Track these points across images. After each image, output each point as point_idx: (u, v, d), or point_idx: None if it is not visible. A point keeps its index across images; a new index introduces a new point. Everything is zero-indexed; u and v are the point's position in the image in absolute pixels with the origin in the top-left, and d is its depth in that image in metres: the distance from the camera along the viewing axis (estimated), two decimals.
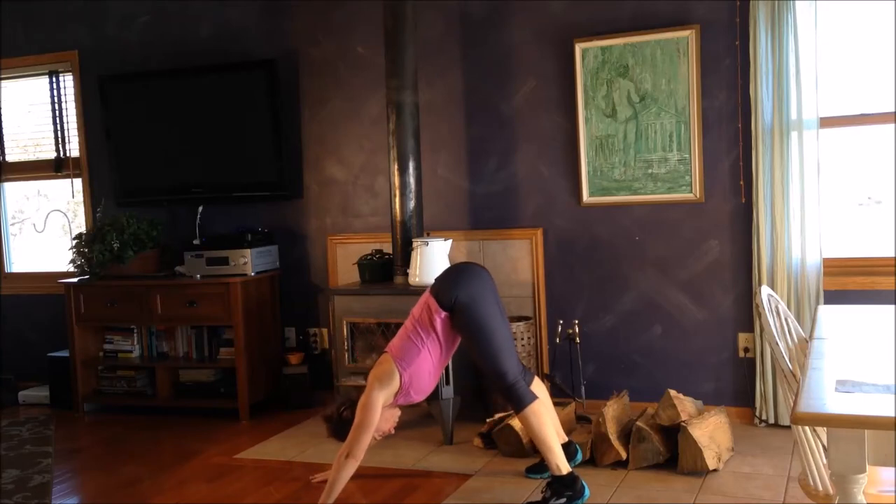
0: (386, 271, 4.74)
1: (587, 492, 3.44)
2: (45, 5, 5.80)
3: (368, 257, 4.81)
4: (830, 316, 3.07)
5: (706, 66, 4.38)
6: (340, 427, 3.62)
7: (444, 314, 3.55)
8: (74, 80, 5.77)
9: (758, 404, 4.32)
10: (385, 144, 4.80)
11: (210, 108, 5.30)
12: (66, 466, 4.36)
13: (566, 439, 3.80)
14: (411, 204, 4.65)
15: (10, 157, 6.11)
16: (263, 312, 5.19)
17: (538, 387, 3.77)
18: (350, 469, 3.40)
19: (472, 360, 3.74)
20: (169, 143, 5.42)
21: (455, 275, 3.70)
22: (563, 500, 3.39)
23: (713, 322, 4.48)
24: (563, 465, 3.46)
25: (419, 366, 3.53)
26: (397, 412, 3.70)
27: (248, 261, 5.04)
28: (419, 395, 3.61)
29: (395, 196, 4.65)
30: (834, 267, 4.25)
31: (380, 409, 3.48)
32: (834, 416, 1.89)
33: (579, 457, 3.78)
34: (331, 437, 3.77)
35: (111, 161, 5.57)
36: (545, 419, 3.53)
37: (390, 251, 4.78)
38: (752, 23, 4.18)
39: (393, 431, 3.75)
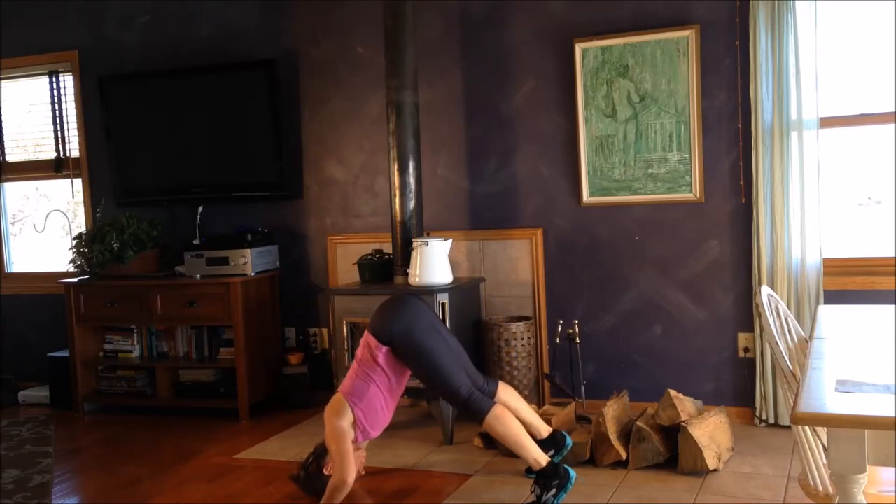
0: (386, 271, 4.74)
1: (573, 473, 3.48)
2: (45, 5, 5.80)
3: (368, 257, 4.81)
4: (830, 316, 3.06)
5: (706, 66, 4.38)
6: (309, 482, 3.62)
7: (384, 349, 3.64)
8: (74, 80, 5.77)
9: (758, 404, 4.32)
10: (385, 144, 4.80)
11: (210, 108, 5.31)
12: (66, 466, 4.36)
13: (549, 430, 3.82)
14: (411, 204, 4.65)
15: (10, 157, 6.11)
16: (263, 312, 5.19)
17: (505, 390, 3.86)
18: (344, 493, 3.44)
19: (424, 385, 3.83)
20: (169, 143, 5.42)
21: (386, 311, 3.79)
22: (553, 490, 3.43)
23: (713, 322, 4.48)
24: (540, 458, 3.52)
25: (370, 400, 3.61)
26: (362, 453, 3.77)
27: (248, 261, 5.04)
28: (375, 429, 3.67)
29: (395, 196, 4.65)
30: (834, 267, 4.25)
31: (348, 433, 3.53)
32: (834, 416, 1.89)
33: (569, 442, 3.79)
34: (306, 494, 3.67)
35: (111, 161, 5.57)
36: (508, 421, 3.60)
37: (390, 251, 4.78)
38: (752, 23, 4.18)
39: (363, 472, 3.82)
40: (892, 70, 4.13)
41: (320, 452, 3.62)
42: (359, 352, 3.73)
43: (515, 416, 3.69)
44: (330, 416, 3.60)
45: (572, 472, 3.49)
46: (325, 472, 3.55)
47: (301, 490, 3.65)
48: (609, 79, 4.54)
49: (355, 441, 3.61)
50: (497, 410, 3.61)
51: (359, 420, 3.58)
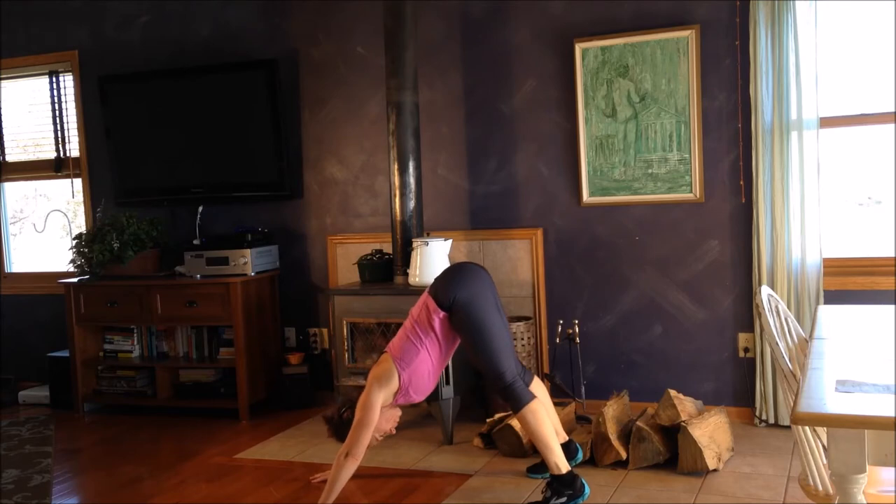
0: (386, 271, 4.74)
1: (587, 490, 3.45)
2: (45, 5, 5.80)
3: (368, 257, 4.81)
4: (830, 316, 3.07)
5: (706, 66, 4.38)
6: (341, 428, 3.63)
7: (442, 314, 3.56)
8: (74, 80, 5.77)
9: (758, 404, 4.32)
10: (385, 144, 4.80)
11: (210, 108, 5.31)
12: (66, 466, 4.36)
13: (566, 438, 3.81)
14: (411, 204, 4.65)
15: (10, 157, 6.11)
16: (263, 312, 5.19)
17: (537, 386, 3.78)
18: (350, 468, 3.40)
19: (470, 359, 3.74)
20: (169, 143, 5.42)
21: (453, 274, 3.70)
22: (564, 499, 3.39)
23: (713, 322, 4.49)
24: (562, 464, 3.46)
25: (418, 366, 3.54)
26: (398, 412, 3.71)
27: (248, 261, 5.04)
28: (419, 394, 3.61)
29: (395, 196, 4.65)
30: (834, 267, 4.25)
31: (379, 409, 3.48)
32: (834, 416, 1.89)
33: (580, 456, 3.78)
34: (331, 438, 3.77)
35: (111, 161, 5.57)
36: (543, 418, 3.53)
37: (390, 251, 4.78)
38: (752, 23, 4.18)
39: (394, 431, 3.76)
40: (892, 70, 4.13)
41: (356, 403, 3.57)
42: (415, 310, 3.63)
43: None
44: (372, 381, 3.51)
45: (587, 490, 3.44)
46: None
47: (329, 431, 3.66)
48: (609, 79, 4.54)
49: (394, 403, 3.56)
50: (535, 405, 3.52)
51: (403, 385, 3.51)
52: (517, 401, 3.53)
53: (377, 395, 3.48)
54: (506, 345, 3.61)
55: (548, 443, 3.48)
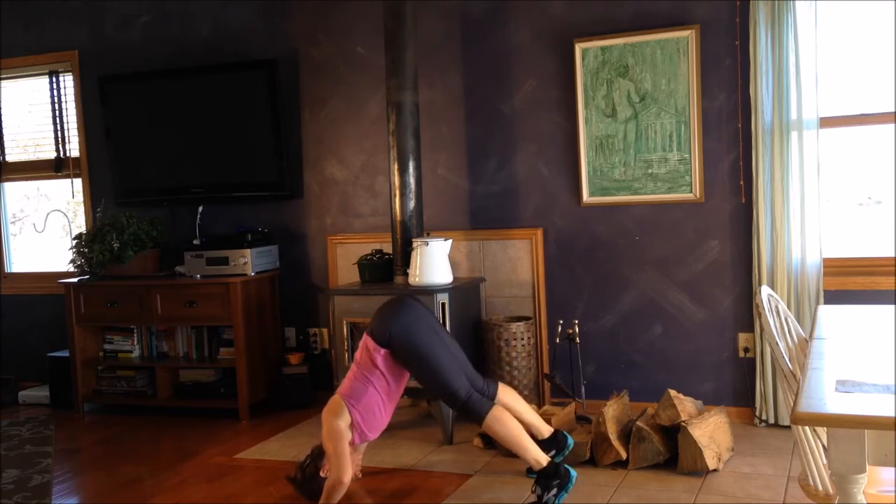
0: (386, 271, 4.74)
1: (573, 473, 3.48)
2: (45, 5, 5.80)
3: (368, 257, 4.81)
4: (830, 316, 3.06)
5: (706, 66, 4.38)
6: (305, 484, 3.61)
7: (383, 351, 3.63)
8: (74, 80, 5.77)
9: (758, 404, 4.32)
10: (385, 144, 4.80)
11: (210, 108, 5.31)
12: (66, 466, 4.36)
13: (551, 430, 3.82)
14: (411, 204, 4.65)
15: (10, 157, 6.11)
16: (263, 312, 5.19)
17: (505, 391, 3.85)
18: (340, 493, 3.43)
19: (423, 388, 3.82)
20: (169, 143, 5.42)
21: (385, 311, 3.77)
22: (554, 490, 3.43)
23: (713, 322, 4.49)
24: (541, 459, 3.52)
25: (368, 401, 3.60)
26: (358, 456, 3.79)
27: (248, 261, 5.04)
28: (373, 431, 3.66)
29: (395, 196, 4.65)
30: (834, 267, 4.26)
31: (345, 433, 3.52)
32: (834, 416, 1.89)
33: (570, 443, 3.78)
34: (304, 497, 3.65)
35: (111, 161, 5.57)
36: (508, 423, 3.60)
37: (390, 251, 4.78)
38: (752, 23, 4.18)
39: (358, 474, 3.82)
40: (892, 70, 4.13)
41: (318, 454, 3.61)
42: (357, 354, 3.73)
43: (516, 417, 3.69)
44: (327, 416, 3.59)
45: (573, 472, 3.49)
46: (322, 474, 3.54)
47: (298, 492, 3.64)
48: (609, 79, 4.54)
49: (352, 443, 3.61)
50: (496, 412, 3.61)
51: (356, 422, 3.58)
52: (476, 414, 3.61)
53: (336, 422, 3.53)
54: (452, 365, 3.68)
55: (520, 443, 3.56)
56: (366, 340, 3.69)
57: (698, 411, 3.89)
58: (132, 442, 4.76)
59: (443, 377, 3.64)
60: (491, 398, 3.73)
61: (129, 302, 5.22)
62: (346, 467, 3.44)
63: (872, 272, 4.21)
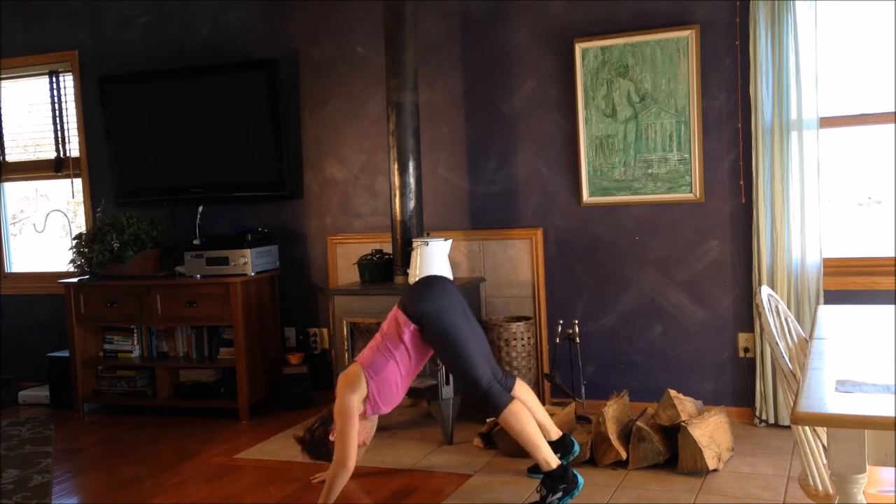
0: (386, 271, 4.74)
1: (580, 479, 3.46)
2: (45, 5, 5.80)
3: (368, 257, 4.81)
4: (830, 316, 3.06)
5: (706, 66, 4.38)
6: (314, 446, 3.62)
7: (413, 327, 3.60)
8: (74, 80, 5.77)
9: (758, 404, 4.33)
10: (385, 144, 4.80)
11: (210, 108, 5.31)
12: (66, 466, 4.36)
13: (560, 434, 3.81)
14: (411, 204, 4.65)
15: (10, 157, 6.11)
16: (263, 312, 5.19)
17: (521, 388, 3.82)
18: (344, 477, 3.41)
19: (445, 370, 3.78)
20: (169, 143, 5.42)
21: (421, 288, 3.75)
22: (559, 493, 3.41)
23: (713, 322, 4.49)
24: (551, 460, 3.49)
25: (387, 375, 3.57)
26: (370, 423, 3.74)
27: (248, 261, 5.04)
28: (386, 405, 3.63)
29: (395, 196, 4.65)
30: (834, 267, 4.26)
31: (356, 412, 3.49)
32: (834, 416, 1.89)
33: (576, 448, 3.78)
34: (309, 458, 3.72)
35: (111, 161, 5.57)
36: (525, 418, 3.56)
37: (390, 251, 4.78)
38: (752, 23, 4.18)
39: (367, 443, 3.79)
40: (892, 70, 4.13)
41: (327, 418, 3.59)
42: (385, 325, 3.68)
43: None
44: (343, 387, 3.53)
45: (580, 479, 3.46)
46: (331, 438, 3.53)
47: (305, 453, 3.64)
48: (609, 79, 4.54)
49: (364, 414, 3.57)
50: (514, 406, 3.56)
51: (371, 394, 3.53)
52: (496, 406, 3.57)
53: (350, 399, 3.50)
54: (479, 353, 3.65)
55: (533, 441, 3.52)
56: (396, 313, 3.65)
57: (698, 411, 3.89)
58: (132, 442, 4.76)
59: (468, 363, 3.59)
60: (508, 391, 3.68)
61: (129, 302, 5.22)
62: (351, 451, 3.41)
63: (872, 272, 4.21)
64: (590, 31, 4.57)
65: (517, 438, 3.59)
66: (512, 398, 3.60)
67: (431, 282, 3.81)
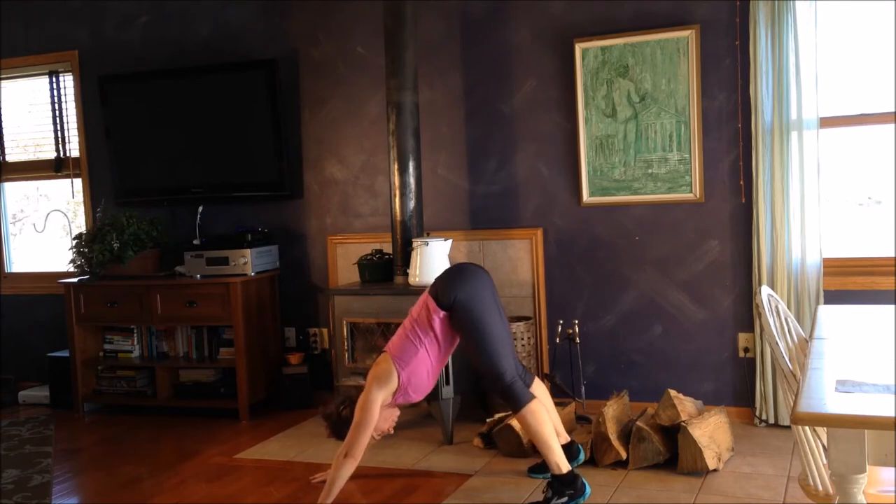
0: (386, 271, 4.74)
1: (588, 489, 3.45)
2: (45, 5, 5.80)
3: (368, 257, 4.81)
4: (830, 316, 3.07)
5: (706, 66, 4.38)
6: (340, 425, 3.63)
7: (442, 314, 3.56)
8: (74, 80, 5.77)
9: (758, 404, 4.32)
10: (385, 144, 4.80)
11: (210, 108, 5.31)
12: (66, 466, 4.36)
13: (568, 439, 3.81)
14: (411, 204, 4.65)
15: (10, 157, 6.11)
16: (263, 312, 5.19)
17: (538, 387, 3.79)
18: (349, 468, 3.40)
19: (469, 359, 3.74)
20: (169, 143, 5.42)
21: (454, 275, 3.71)
22: (565, 498, 3.39)
23: (713, 322, 4.48)
24: (563, 464, 3.46)
25: (417, 365, 3.54)
26: (396, 412, 3.71)
27: (248, 261, 5.04)
28: (417, 394, 3.62)
29: (395, 196, 4.65)
30: (834, 267, 4.25)
31: (378, 409, 3.49)
32: (834, 416, 1.89)
33: (581, 456, 3.78)
34: (330, 436, 3.77)
35: (111, 161, 5.57)
36: (543, 419, 3.53)
37: (390, 251, 4.78)
38: (752, 23, 4.18)
39: (392, 431, 3.77)
40: (892, 70, 4.13)
41: (356, 401, 3.58)
42: (415, 310, 3.65)
43: None
44: (372, 381, 3.52)
45: (588, 489, 3.44)
46: None
47: (328, 428, 3.67)
48: (609, 79, 4.54)
49: (393, 402, 3.56)
50: (534, 405, 3.52)
51: (402, 384, 3.52)
52: (517, 401, 3.53)
53: (377, 395, 3.49)
54: (505, 345, 3.61)
55: (548, 442, 3.48)
56: (427, 300, 3.62)
57: (698, 411, 3.89)
58: (132, 442, 4.76)
59: (494, 354, 3.56)
60: (527, 388, 3.65)
61: (129, 302, 5.22)
62: (362, 445, 3.42)
63: (872, 272, 4.20)
64: (590, 31, 4.57)
65: (532, 438, 3.56)
66: (533, 396, 3.56)
67: (465, 269, 3.76)
